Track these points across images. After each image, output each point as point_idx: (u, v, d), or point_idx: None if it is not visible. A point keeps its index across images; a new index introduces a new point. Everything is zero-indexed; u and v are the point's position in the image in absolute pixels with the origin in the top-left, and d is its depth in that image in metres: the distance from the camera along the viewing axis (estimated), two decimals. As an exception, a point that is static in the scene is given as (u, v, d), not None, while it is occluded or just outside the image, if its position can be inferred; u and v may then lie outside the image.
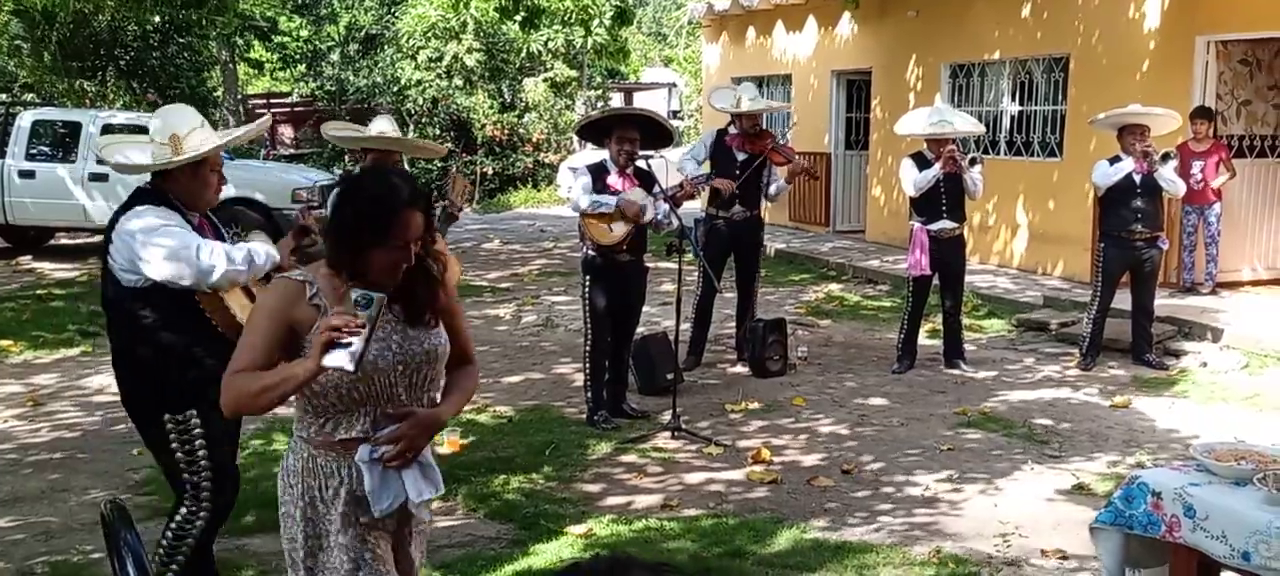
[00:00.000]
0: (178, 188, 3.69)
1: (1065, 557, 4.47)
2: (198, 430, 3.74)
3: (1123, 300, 7.79)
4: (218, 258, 3.58)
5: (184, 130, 3.67)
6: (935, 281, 7.64)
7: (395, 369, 2.52)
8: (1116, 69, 10.25)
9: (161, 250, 3.54)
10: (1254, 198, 10.08)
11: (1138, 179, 7.37)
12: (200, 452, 3.75)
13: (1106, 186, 7.48)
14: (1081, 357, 7.80)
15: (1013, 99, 11.85)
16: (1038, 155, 11.51)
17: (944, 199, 7.40)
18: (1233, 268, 9.96)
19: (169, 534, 3.81)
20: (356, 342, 2.30)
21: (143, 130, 14.14)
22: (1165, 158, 7.38)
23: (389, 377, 2.52)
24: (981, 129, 8.25)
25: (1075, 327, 8.40)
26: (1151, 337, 7.83)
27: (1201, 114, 9.29)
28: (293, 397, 2.51)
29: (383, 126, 5.52)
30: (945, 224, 7.45)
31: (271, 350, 2.44)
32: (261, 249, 3.76)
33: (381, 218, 2.45)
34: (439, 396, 2.67)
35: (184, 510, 3.80)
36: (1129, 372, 7.63)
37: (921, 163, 7.44)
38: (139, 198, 3.69)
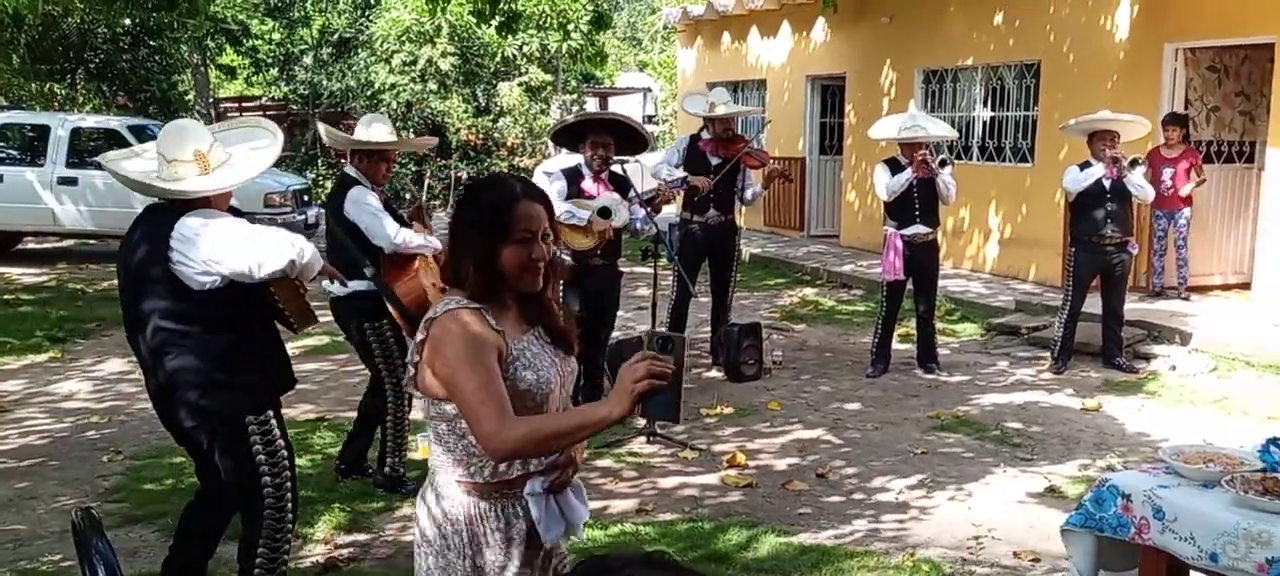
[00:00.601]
0: (200, 199, 3.60)
1: (1037, 559, 4.51)
2: (277, 429, 3.71)
3: (1094, 304, 7.86)
4: (301, 240, 3.57)
5: (205, 146, 3.59)
6: (909, 286, 7.69)
7: (559, 392, 2.45)
8: (1087, 75, 10.35)
9: (252, 240, 3.48)
10: (1222, 203, 10.21)
11: (1107, 184, 7.45)
12: (282, 451, 3.72)
13: (1077, 192, 7.56)
14: (1053, 361, 7.88)
15: (985, 104, 11.95)
16: (1010, 160, 11.61)
17: (917, 203, 7.45)
18: (1201, 272, 10.09)
19: (263, 552, 3.75)
20: (672, 390, 2.15)
21: (113, 133, 13.94)
22: (1134, 163, 7.46)
23: (557, 405, 2.44)
24: (954, 134, 8.31)
25: (1047, 331, 8.47)
26: (1122, 341, 7.91)
27: (1173, 120, 9.39)
28: (440, 439, 2.39)
29: (380, 127, 5.41)
30: (919, 228, 7.50)
31: (504, 386, 2.29)
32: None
33: (499, 214, 2.33)
34: None
35: (270, 518, 3.72)
36: (1100, 376, 7.70)
37: (895, 168, 7.48)
38: (173, 208, 3.56)
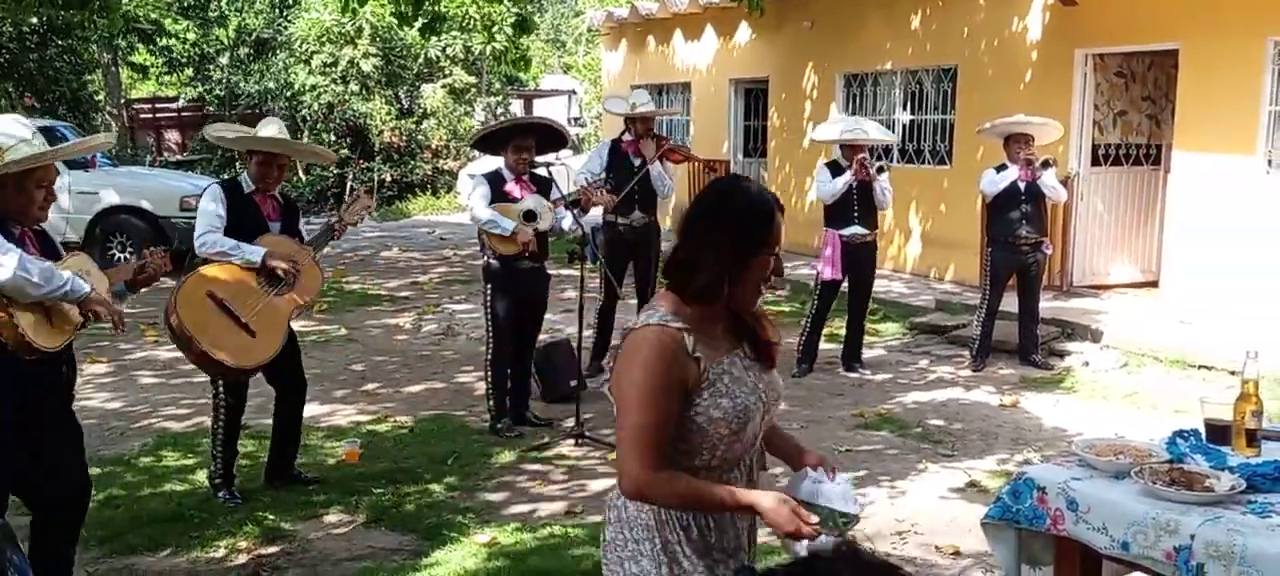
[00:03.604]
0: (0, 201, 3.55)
1: (959, 554, 4.61)
2: None
3: (1011, 303, 8.07)
4: (8, 258, 3.44)
5: (6, 143, 3.53)
6: (843, 286, 7.81)
7: (762, 416, 2.37)
8: (1001, 80, 10.62)
9: None
10: (1128, 203, 10.54)
11: (1022, 186, 7.65)
12: None
13: (993, 193, 7.75)
14: (972, 359, 8.06)
15: (904, 108, 12.17)
16: (929, 162, 11.85)
17: (856, 205, 7.58)
18: (1108, 271, 10.44)
19: None
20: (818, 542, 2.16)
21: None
22: (1046, 164, 7.68)
23: (757, 425, 2.37)
24: (893, 139, 8.36)
25: (966, 330, 8.66)
26: (1037, 339, 8.13)
27: None
28: None
29: (272, 129, 5.34)
30: (857, 229, 7.63)
31: (668, 431, 2.24)
32: (67, 273, 3.64)
33: (759, 222, 2.28)
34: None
35: None
36: (1017, 373, 7.90)
37: (836, 170, 7.59)
38: None
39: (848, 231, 7.60)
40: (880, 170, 7.58)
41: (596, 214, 7.90)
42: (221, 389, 5.15)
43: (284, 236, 5.19)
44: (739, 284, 2.28)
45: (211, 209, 5.02)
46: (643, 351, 2.23)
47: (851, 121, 7.90)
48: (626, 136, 7.67)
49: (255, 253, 5.00)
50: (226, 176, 5.28)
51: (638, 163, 7.53)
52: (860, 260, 7.71)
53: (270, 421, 5.47)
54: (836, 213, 7.61)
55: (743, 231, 2.27)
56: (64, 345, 3.72)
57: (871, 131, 7.78)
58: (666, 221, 15.30)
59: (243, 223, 5.05)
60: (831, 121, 8.08)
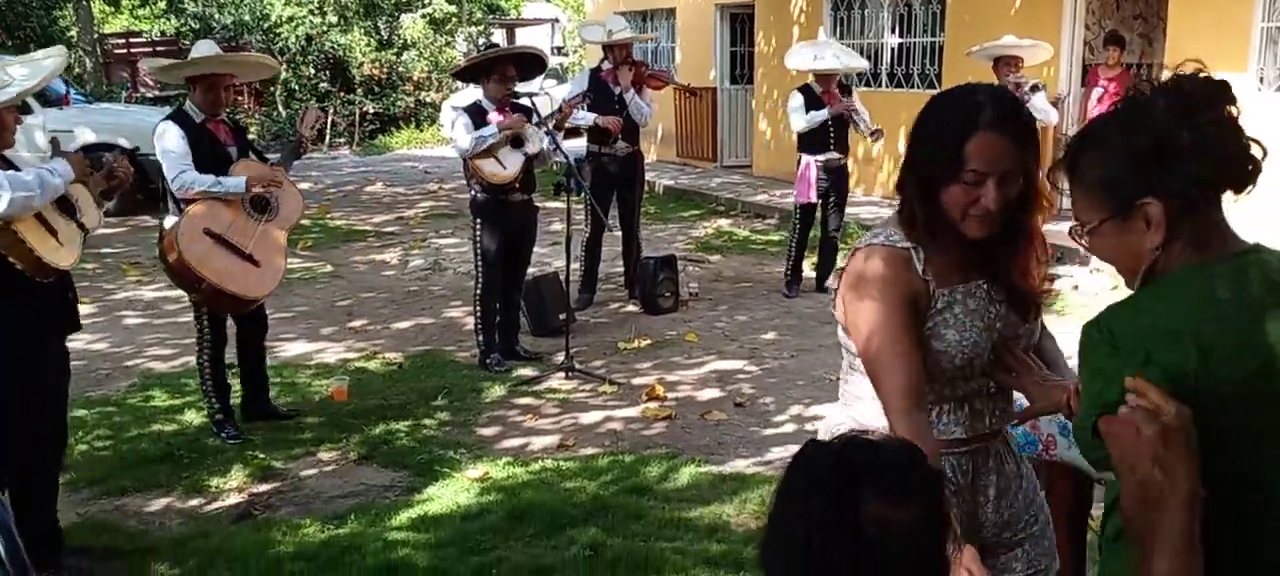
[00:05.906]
0: None
1: (950, 478, 4.62)
2: None
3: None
4: (1, 191, 3.39)
5: None
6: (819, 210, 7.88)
7: (988, 358, 2.07)
8: (991, 1, 10.47)
9: None
10: (1119, 125, 10.48)
11: (1011, 109, 7.57)
12: None
13: (981, 117, 7.67)
14: (962, 284, 8.06)
15: (893, 31, 12.02)
16: (918, 87, 11.73)
17: (831, 133, 7.62)
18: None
19: None
20: None
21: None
22: (1034, 88, 7.60)
23: (984, 369, 2.08)
24: (864, 65, 8.37)
25: (955, 255, 8.65)
26: (1026, 263, 8.12)
27: (1112, 39, 9.68)
28: (854, 369, 2.11)
29: (206, 49, 5.11)
30: (832, 155, 7.70)
31: (916, 353, 1.96)
32: (48, 167, 3.59)
33: (947, 143, 1.92)
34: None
35: None
36: (1006, 297, 7.89)
37: (809, 94, 7.55)
38: None
39: (823, 157, 7.66)
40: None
41: (580, 145, 7.80)
42: (206, 325, 5.07)
43: (254, 161, 5.07)
44: (941, 216, 1.96)
45: (178, 147, 4.83)
46: (866, 268, 2.00)
47: (823, 48, 7.84)
48: (606, 64, 7.55)
49: (237, 183, 4.88)
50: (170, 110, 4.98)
51: (618, 91, 7.41)
52: (835, 183, 7.82)
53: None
54: (812, 141, 7.65)
55: (923, 153, 1.99)
56: (78, 260, 3.72)
57: (843, 60, 7.70)
58: (653, 151, 15.16)
59: (204, 154, 4.88)
60: (801, 47, 8.01)
